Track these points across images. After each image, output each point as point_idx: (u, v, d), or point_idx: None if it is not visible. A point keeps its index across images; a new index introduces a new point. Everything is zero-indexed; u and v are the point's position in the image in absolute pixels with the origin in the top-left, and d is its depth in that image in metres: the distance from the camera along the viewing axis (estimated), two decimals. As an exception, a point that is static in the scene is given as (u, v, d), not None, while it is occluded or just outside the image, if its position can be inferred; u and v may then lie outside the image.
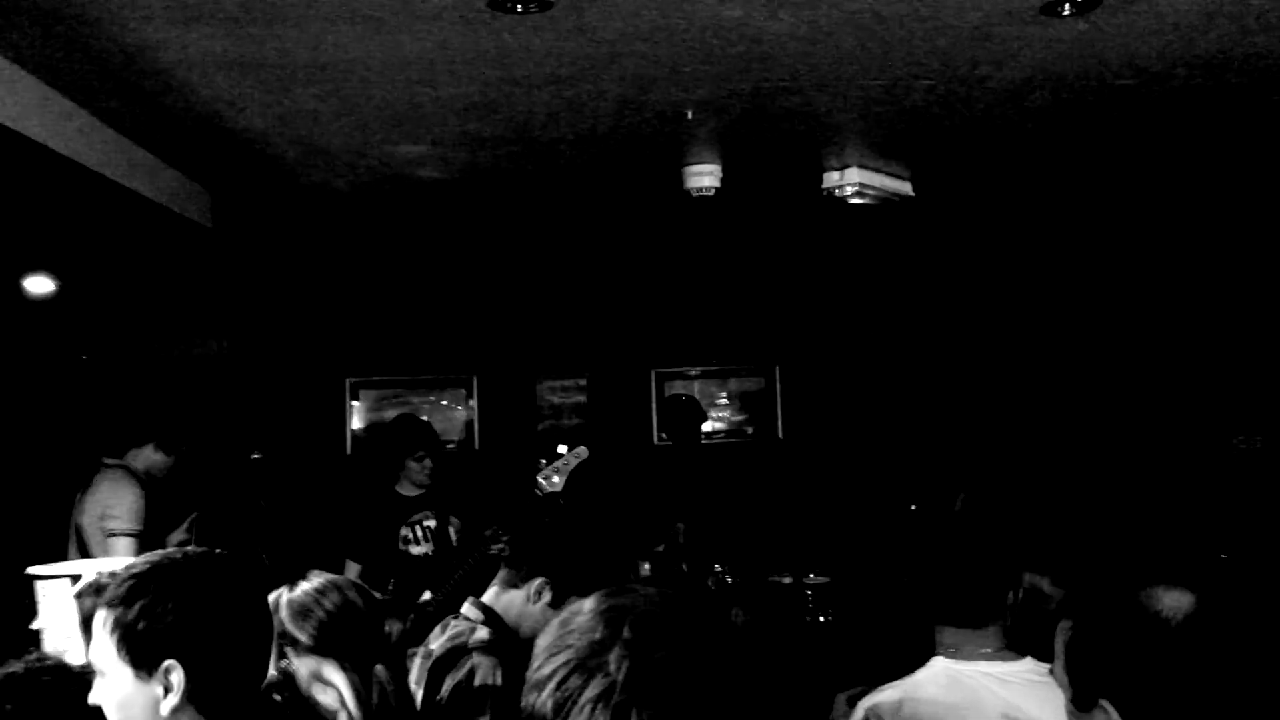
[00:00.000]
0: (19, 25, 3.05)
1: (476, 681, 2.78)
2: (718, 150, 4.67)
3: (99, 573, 2.02)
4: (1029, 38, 3.51)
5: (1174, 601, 1.66)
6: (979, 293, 8.01)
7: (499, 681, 2.79)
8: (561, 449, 5.28)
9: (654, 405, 8.87)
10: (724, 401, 8.97)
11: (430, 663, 2.95)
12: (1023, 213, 6.00)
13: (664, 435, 7.97)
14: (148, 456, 5.09)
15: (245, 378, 7.37)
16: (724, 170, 4.81)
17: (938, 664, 2.44)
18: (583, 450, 5.26)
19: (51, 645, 3.92)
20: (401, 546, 5.27)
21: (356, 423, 8.74)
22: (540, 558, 3.05)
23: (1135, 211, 5.97)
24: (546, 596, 3.00)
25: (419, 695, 2.93)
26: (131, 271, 4.16)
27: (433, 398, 8.89)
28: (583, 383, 8.91)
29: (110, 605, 1.89)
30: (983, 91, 4.05)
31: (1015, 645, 2.45)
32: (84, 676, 2.49)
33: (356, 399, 8.77)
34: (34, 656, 2.76)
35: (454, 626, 3.03)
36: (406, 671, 3.05)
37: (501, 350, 8.73)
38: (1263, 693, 1.58)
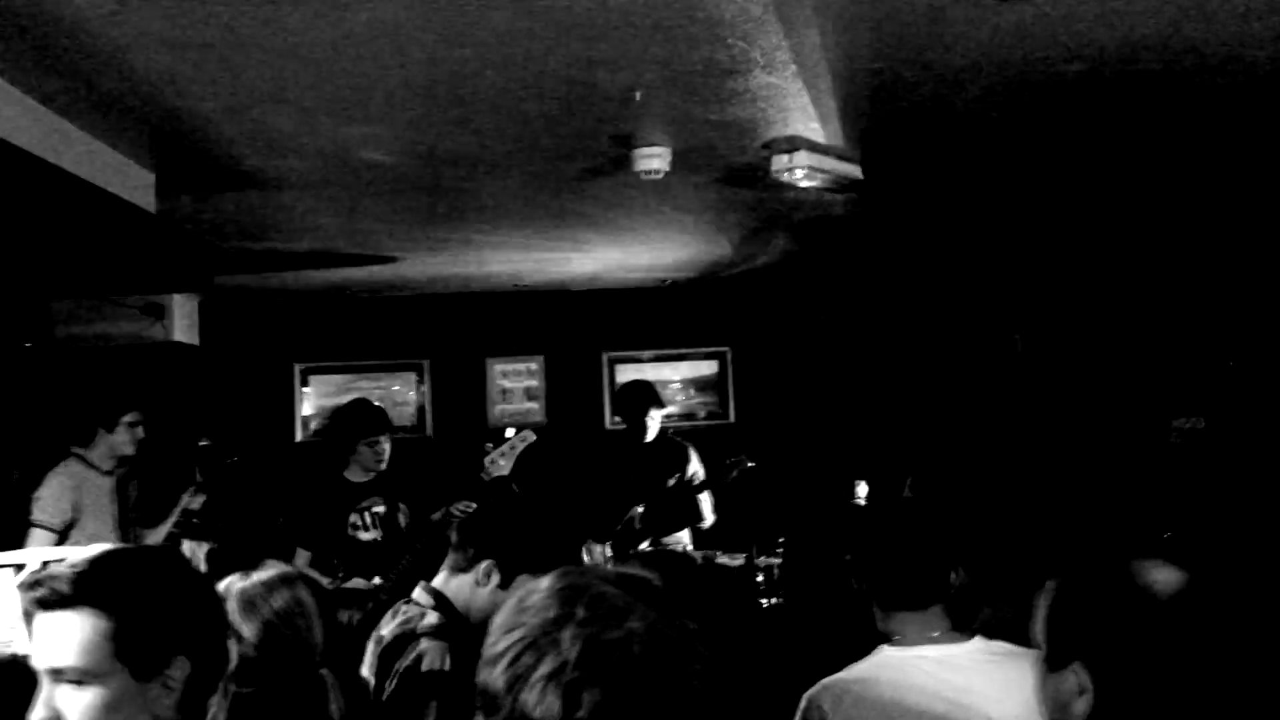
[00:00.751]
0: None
1: (424, 667, 2.79)
2: (666, 132, 4.65)
3: (45, 569, 1.91)
4: (978, 21, 3.53)
5: (1165, 577, 1.68)
6: (931, 275, 8.07)
7: (447, 666, 2.79)
8: (509, 433, 5.29)
9: (606, 388, 8.90)
10: (677, 385, 9.00)
11: (380, 649, 2.95)
12: (972, 196, 6.04)
13: (617, 419, 7.98)
14: (109, 442, 5.09)
15: (192, 363, 7.29)
16: (673, 153, 4.79)
17: (882, 652, 2.48)
18: (529, 434, 5.27)
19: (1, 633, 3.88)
20: (350, 532, 5.27)
21: (307, 409, 8.68)
22: (487, 539, 3.05)
23: (1082, 196, 6.02)
24: (495, 579, 3.01)
25: (369, 681, 2.93)
26: (75, 256, 4.09)
27: (384, 383, 8.85)
28: (534, 366, 8.91)
29: (92, 605, 1.78)
30: (928, 76, 4.07)
31: (961, 626, 2.48)
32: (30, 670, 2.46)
33: (307, 385, 8.71)
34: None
35: (404, 612, 3.03)
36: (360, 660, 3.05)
37: (452, 334, 8.70)
38: (1243, 676, 1.61)
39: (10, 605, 3.83)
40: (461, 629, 2.96)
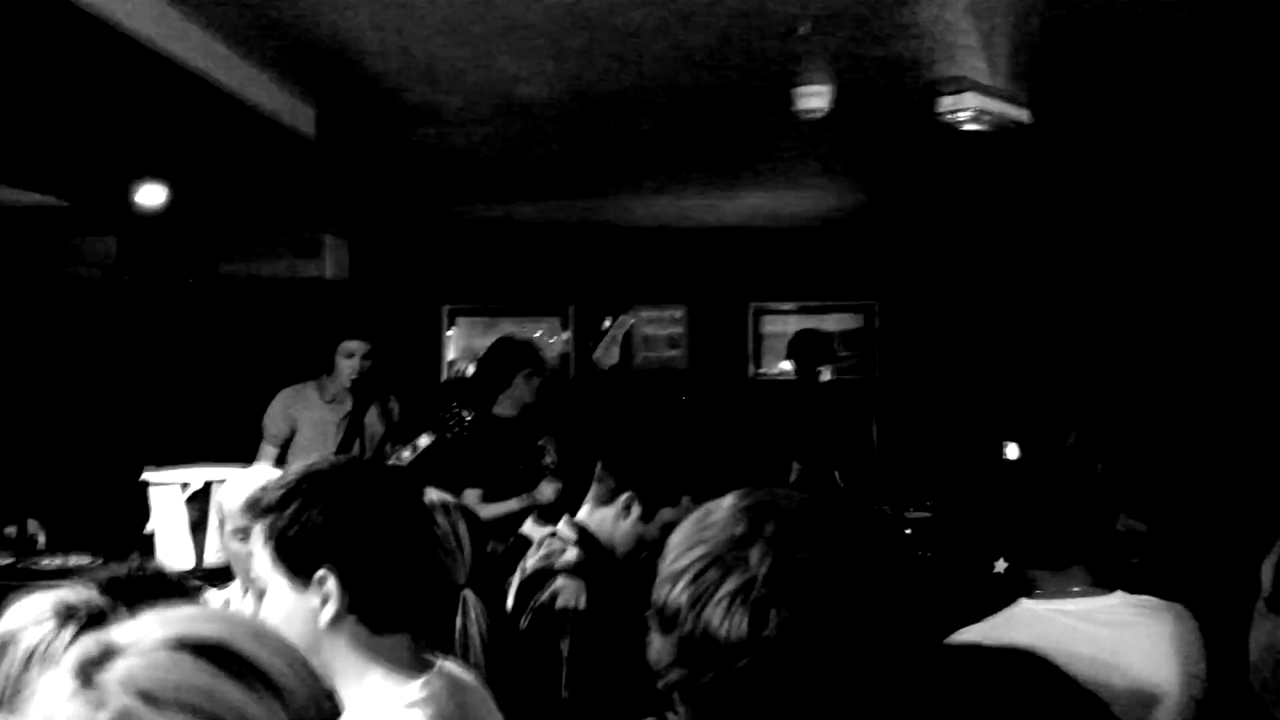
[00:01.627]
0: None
1: (559, 604, 2.78)
2: (829, 71, 4.53)
3: (262, 486, 1.96)
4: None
5: None
6: (1094, 227, 7.75)
7: (582, 605, 2.77)
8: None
9: (750, 339, 8.82)
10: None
11: (521, 583, 2.95)
12: (1144, 144, 5.75)
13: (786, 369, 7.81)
14: (340, 363, 5.31)
15: (347, 300, 7.46)
16: (835, 91, 4.66)
17: (1020, 605, 2.44)
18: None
19: (162, 549, 4.04)
20: (520, 470, 5.30)
21: (453, 350, 8.81)
22: (629, 471, 3.02)
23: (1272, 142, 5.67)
24: (636, 511, 2.97)
25: (510, 610, 2.93)
26: (240, 184, 4.18)
27: (528, 327, 8.91)
28: (679, 314, 8.87)
29: (264, 514, 1.86)
30: (1109, 8, 3.86)
31: (1104, 581, 2.43)
32: (181, 585, 2.51)
33: (454, 326, 8.83)
34: (135, 563, 2.79)
35: (548, 545, 3.02)
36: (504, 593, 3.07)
37: (597, 280, 8.70)
38: None
39: (179, 519, 3.99)
40: (602, 564, 2.94)
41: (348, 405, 5.41)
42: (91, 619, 1.52)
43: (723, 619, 1.24)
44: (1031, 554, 2.44)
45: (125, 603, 2.21)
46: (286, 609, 1.83)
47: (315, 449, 5.07)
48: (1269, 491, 4.46)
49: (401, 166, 5.96)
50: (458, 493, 5.23)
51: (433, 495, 2.89)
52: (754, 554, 1.26)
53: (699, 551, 1.30)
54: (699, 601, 1.26)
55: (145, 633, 0.94)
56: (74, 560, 4.74)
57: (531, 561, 2.98)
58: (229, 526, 3.07)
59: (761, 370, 8.83)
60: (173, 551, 3.94)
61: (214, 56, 3.80)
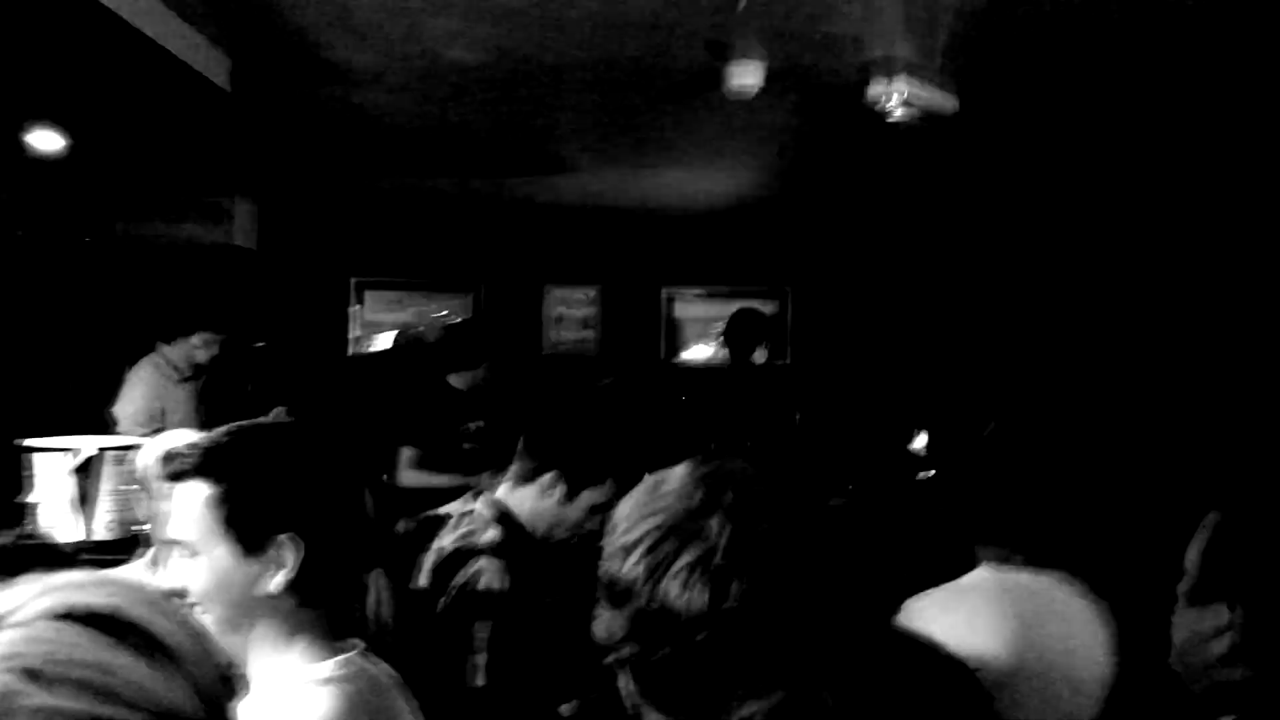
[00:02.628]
0: None
1: (481, 585, 2.68)
2: (763, 46, 4.45)
3: (188, 443, 1.80)
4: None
5: None
6: (1006, 219, 7.84)
7: (505, 586, 2.68)
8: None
9: (662, 322, 8.76)
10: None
11: (439, 562, 2.83)
12: (1069, 133, 5.81)
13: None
14: (189, 347, 5.05)
15: (253, 265, 7.21)
16: (767, 70, 4.59)
17: (983, 572, 2.43)
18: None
19: (44, 520, 3.81)
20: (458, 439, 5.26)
21: (360, 322, 8.61)
22: (553, 451, 2.92)
23: (1199, 134, 5.76)
24: (560, 490, 2.88)
25: (424, 589, 2.83)
26: (147, 134, 3.95)
27: (438, 303, 8.75)
28: (591, 294, 8.77)
29: (200, 474, 1.71)
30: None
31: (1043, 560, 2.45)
32: (70, 555, 2.34)
33: (362, 300, 8.62)
34: (22, 531, 2.63)
35: (466, 523, 2.91)
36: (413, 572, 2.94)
37: (509, 257, 8.57)
38: None
39: (63, 489, 3.76)
40: (523, 544, 2.85)
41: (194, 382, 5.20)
42: None
43: (681, 591, 1.20)
44: (994, 531, 2.43)
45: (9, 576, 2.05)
46: (223, 575, 1.69)
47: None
48: (1190, 477, 4.54)
49: (317, 129, 5.76)
50: (395, 448, 5.15)
51: None
52: (713, 524, 1.22)
53: (653, 522, 1.25)
54: (655, 573, 1.22)
55: (25, 602, 0.82)
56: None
57: (449, 540, 2.87)
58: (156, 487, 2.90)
59: (674, 355, 8.78)
60: (57, 523, 3.72)
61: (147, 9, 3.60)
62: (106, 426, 4.96)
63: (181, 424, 5.01)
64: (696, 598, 1.20)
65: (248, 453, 1.74)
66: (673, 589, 1.20)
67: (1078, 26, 4.16)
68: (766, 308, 8.64)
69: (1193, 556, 1.67)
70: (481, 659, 2.63)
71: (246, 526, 1.69)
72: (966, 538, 2.50)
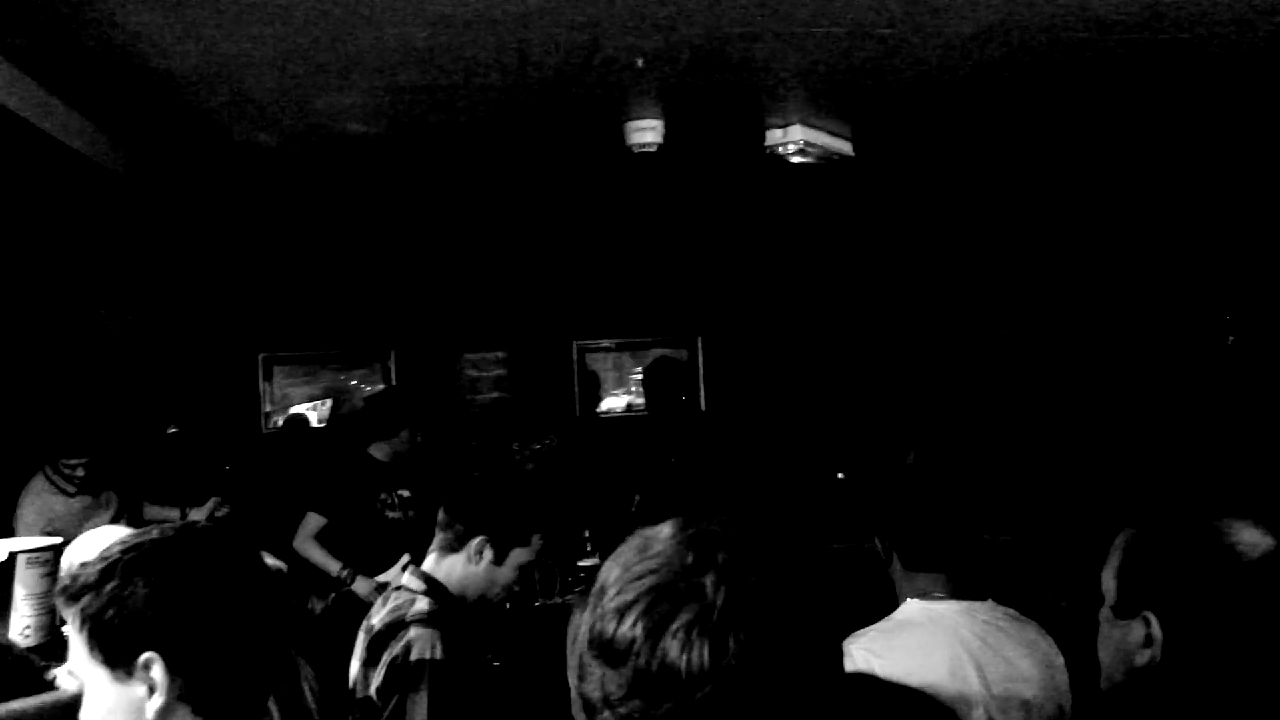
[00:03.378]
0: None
1: (413, 656, 2.66)
2: (661, 105, 4.54)
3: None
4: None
5: (1252, 539, 1.63)
6: (908, 261, 8.02)
7: (438, 655, 2.66)
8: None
9: (575, 377, 8.77)
10: (639, 375, 8.83)
11: (370, 638, 2.81)
12: (958, 176, 5.99)
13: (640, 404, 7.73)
14: (80, 458, 4.90)
15: (154, 348, 7.06)
16: (666, 126, 4.68)
17: (910, 605, 2.49)
18: (553, 438, 5.23)
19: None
20: (379, 509, 5.16)
21: (270, 398, 8.47)
22: (477, 516, 2.92)
23: (1078, 172, 5.99)
24: (488, 554, 2.89)
25: (357, 672, 2.80)
26: (34, 222, 3.87)
27: (343, 377, 8.66)
28: (502, 355, 8.75)
29: (76, 597, 1.62)
30: (938, 42, 3.98)
31: (972, 591, 2.55)
32: (29, 663, 2.27)
33: (270, 376, 8.49)
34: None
35: (394, 598, 2.89)
36: (337, 649, 2.91)
37: (419, 324, 8.52)
38: None
39: (-17, 595, 3.64)
40: (454, 611, 2.84)
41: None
42: None
43: (681, 650, 1.21)
44: (920, 553, 2.51)
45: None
46: (108, 704, 1.61)
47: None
48: (1106, 500, 4.67)
49: (217, 207, 5.71)
50: (302, 511, 5.05)
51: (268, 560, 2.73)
52: (708, 583, 1.24)
53: (648, 583, 1.26)
54: (654, 634, 1.23)
55: None
56: None
57: (378, 618, 2.84)
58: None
59: (589, 408, 8.79)
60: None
61: (13, 87, 3.54)
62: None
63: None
64: (697, 656, 1.21)
65: (113, 566, 1.63)
66: (673, 648, 1.22)
67: (967, 71, 4.30)
68: (677, 356, 8.75)
69: (1109, 576, 1.72)
70: None
71: (108, 645, 1.60)
72: (886, 570, 2.59)
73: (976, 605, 2.48)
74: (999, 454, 5.66)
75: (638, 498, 5.65)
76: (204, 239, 6.40)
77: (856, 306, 8.36)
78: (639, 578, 1.28)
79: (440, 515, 2.97)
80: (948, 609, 2.46)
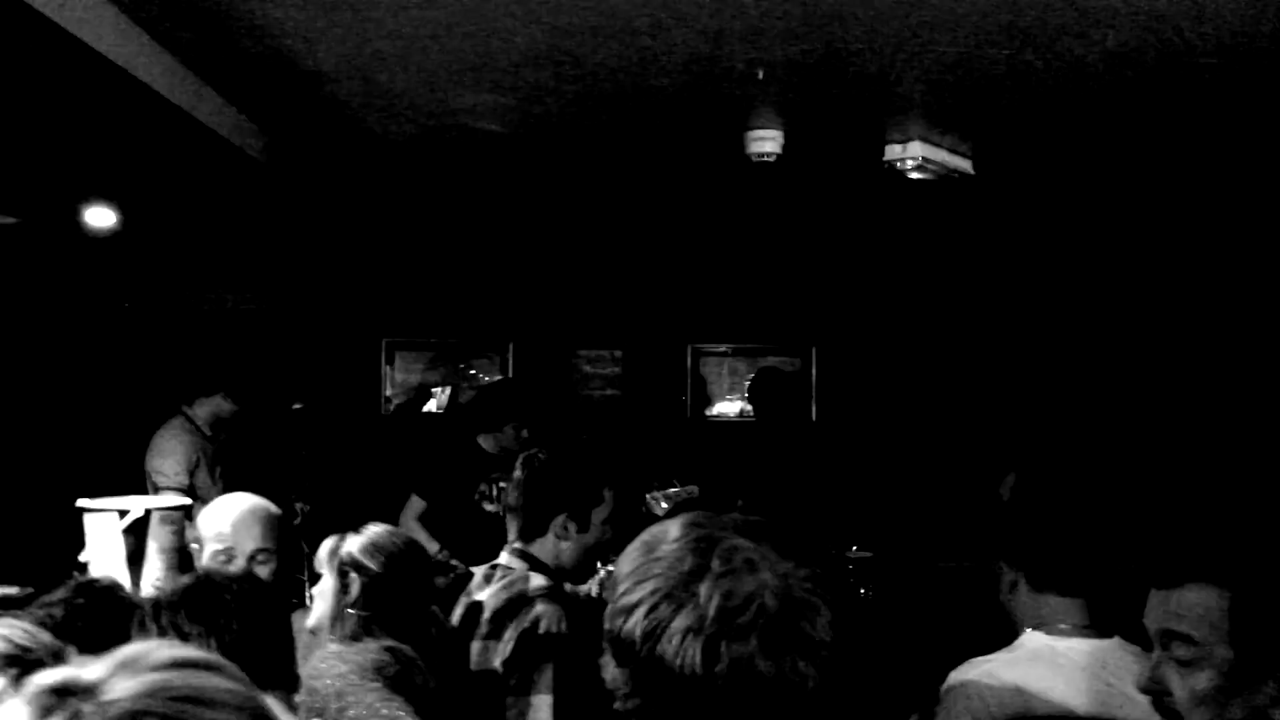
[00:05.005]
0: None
1: (541, 630, 2.78)
2: (781, 115, 4.61)
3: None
4: (1117, 10, 3.44)
5: None
6: (1028, 277, 7.92)
7: (564, 629, 2.78)
8: (675, 484, 5.38)
9: (689, 379, 8.86)
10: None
11: (490, 613, 2.93)
12: (1081, 195, 5.92)
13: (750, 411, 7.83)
14: (216, 404, 5.20)
15: (284, 329, 7.36)
16: (786, 137, 4.74)
17: (1032, 640, 2.31)
18: (694, 489, 5.33)
19: (95, 576, 3.93)
20: (476, 499, 5.28)
21: (391, 383, 8.73)
22: (555, 496, 3.03)
23: (1202, 197, 5.87)
24: (573, 527, 2.99)
25: (476, 646, 2.91)
26: (188, 206, 4.12)
27: (463, 365, 8.87)
28: (618, 354, 8.87)
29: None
30: (1061, 65, 3.98)
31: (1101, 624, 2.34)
32: (127, 607, 2.47)
33: (392, 361, 8.75)
34: (73, 591, 2.75)
35: (503, 575, 3.01)
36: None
37: (537, 318, 8.69)
38: None
39: (115, 547, 3.89)
40: (562, 587, 2.97)
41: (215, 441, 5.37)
42: (47, 661, 1.50)
43: (676, 654, 1.29)
44: (1049, 573, 2.31)
45: (74, 633, 2.17)
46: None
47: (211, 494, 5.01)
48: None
49: (348, 195, 5.94)
50: (406, 494, 5.19)
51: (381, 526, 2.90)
52: (702, 590, 1.30)
53: (650, 586, 1.34)
54: (652, 636, 1.31)
55: (113, 685, 0.91)
56: (1, 590, 4.58)
57: (489, 594, 2.96)
58: (211, 549, 3.05)
59: (699, 411, 8.87)
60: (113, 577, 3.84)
61: (172, 78, 3.77)
62: (144, 482, 5.11)
63: (207, 480, 5.19)
64: (690, 660, 1.29)
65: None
66: (669, 651, 1.30)
67: (1090, 87, 4.28)
68: (790, 365, 8.77)
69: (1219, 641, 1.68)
70: (546, 700, 2.72)
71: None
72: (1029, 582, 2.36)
73: (1104, 645, 2.27)
74: (1126, 476, 5.49)
75: (740, 503, 5.68)
76: (334, 225, 6.66)
77: (972, 322, 8.27)
78: (643, 579, 1.35)
79: (512, 500, 3.11)
80: (1073, 648, 2.26)
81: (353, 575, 2.71)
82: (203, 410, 5.31)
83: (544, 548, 3.03)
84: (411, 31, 3.62)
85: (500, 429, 5.29)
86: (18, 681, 1.44)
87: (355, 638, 2.67)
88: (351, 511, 4.71)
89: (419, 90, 4.25)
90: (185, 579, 2.37)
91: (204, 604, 2.10)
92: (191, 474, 5.20)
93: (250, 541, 3.06)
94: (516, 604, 2.84)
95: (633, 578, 1.37)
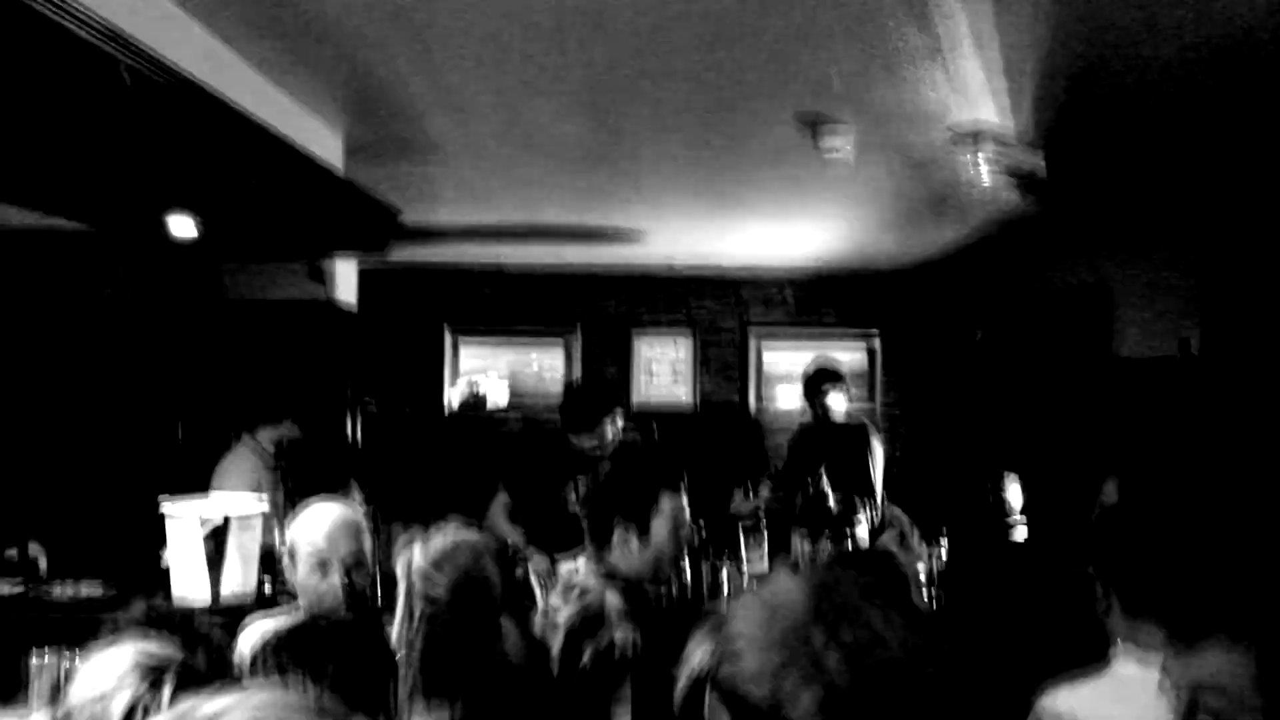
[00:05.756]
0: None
1: (617, 653, 2.81)
2: (854, 111, 4.57)
3: None
4: (1197, 8, 3.38)
5: None
6: (1099, 275, 7.80)
7: (638, 648, 2.81)
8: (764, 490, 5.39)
9: (752, 369, 8.87)
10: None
11: (565, 629, 2.95)
12: (1160, 192, 5.83)
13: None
14: (282, 430, 5.27)
15: (353, 323, 7.43)
16: (857, 133, 4.71)
17: (1126, 667, 2.23)
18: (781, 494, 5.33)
19: (177, 583, 4.01)
20: (562, 498, 5.28)
21: (458, 372, 8.81)
22: (612, 508, 3.10)
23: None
24: (633, 538, 3.05)
25: (556, 655, 2.94)
26: (266, 215, 4.18)
27: (532, 354, 8.93)
28: (681, 341, 8.90)
29: None
30: (1135, 65, 3.91)
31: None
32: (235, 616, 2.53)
33: (458, 351, 8.83)
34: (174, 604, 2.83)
35: (579, 592, 3.03)
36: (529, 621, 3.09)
37: (600, 308, 8.71)
38: None
39: (195, 551, 3.96)
40: (639, 601, 2.99)
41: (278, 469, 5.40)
42: (180, 676, 1.55)
43: None
44: (1147, 598, 2.21)
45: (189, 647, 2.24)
46: None
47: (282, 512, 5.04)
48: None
49: (422, 195, 6.00)
50: (496, 489, 5.30)
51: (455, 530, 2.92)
52: (832, 660, 1.30)
53: (775, 655, 1.33)
54: (777, 706, 1.30)
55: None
56: (85, 590, 4.66)
57: (566, 613, 2.98)
58: (306, 559, 3.10)
59: (763, 402, 8.88)
60: (189, 585, 3.92)
61: (254, 92, 3.83)
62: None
63: (276, 499, 5.23)
64: None
65: None
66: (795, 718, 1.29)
67: (1166, 87, 4.20)
68: (853, 354, 8.73)
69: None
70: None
71: None
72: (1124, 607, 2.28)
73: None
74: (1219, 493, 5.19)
75: (822, 472, 5.59)
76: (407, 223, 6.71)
77: (1036, 317, 8.16)
78: (767, 647, 1.34)
79: (582, 512, 3.19)
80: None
81: (419, 604, 2.68)
82: (267, 435, 5.37)
83: (617, 557, 3.08)
84: (481, 38, 3.64)
85: (588, 430, 5.24)
86: (152, 690, 1.50)
87: None
88: (427, 509, 4.77)
89: (490, 98, 4.28)
90: (287, 619, 2.43)
91: (304, 646, 2.15)
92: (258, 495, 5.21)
93: (344, 550, 3.12)
94: (592, 624, 2.87)
95: (756, 640, 1.36)
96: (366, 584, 3.12)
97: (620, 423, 5.32)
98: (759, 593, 1.44)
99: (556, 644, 2.89)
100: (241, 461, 5.34)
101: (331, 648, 2.17)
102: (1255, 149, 5.00)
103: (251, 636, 2.36)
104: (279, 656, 2.13)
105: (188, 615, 2.64)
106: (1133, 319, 7.29)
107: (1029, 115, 4.57)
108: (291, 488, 5.32)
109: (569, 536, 4.98)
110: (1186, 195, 5.88)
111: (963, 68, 3.96)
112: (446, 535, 2.91)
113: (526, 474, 5.33)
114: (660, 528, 3.08)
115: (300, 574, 3.12)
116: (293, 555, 3.16)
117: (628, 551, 3.07)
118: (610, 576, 3.04)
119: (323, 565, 3.08)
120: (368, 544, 3.17)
